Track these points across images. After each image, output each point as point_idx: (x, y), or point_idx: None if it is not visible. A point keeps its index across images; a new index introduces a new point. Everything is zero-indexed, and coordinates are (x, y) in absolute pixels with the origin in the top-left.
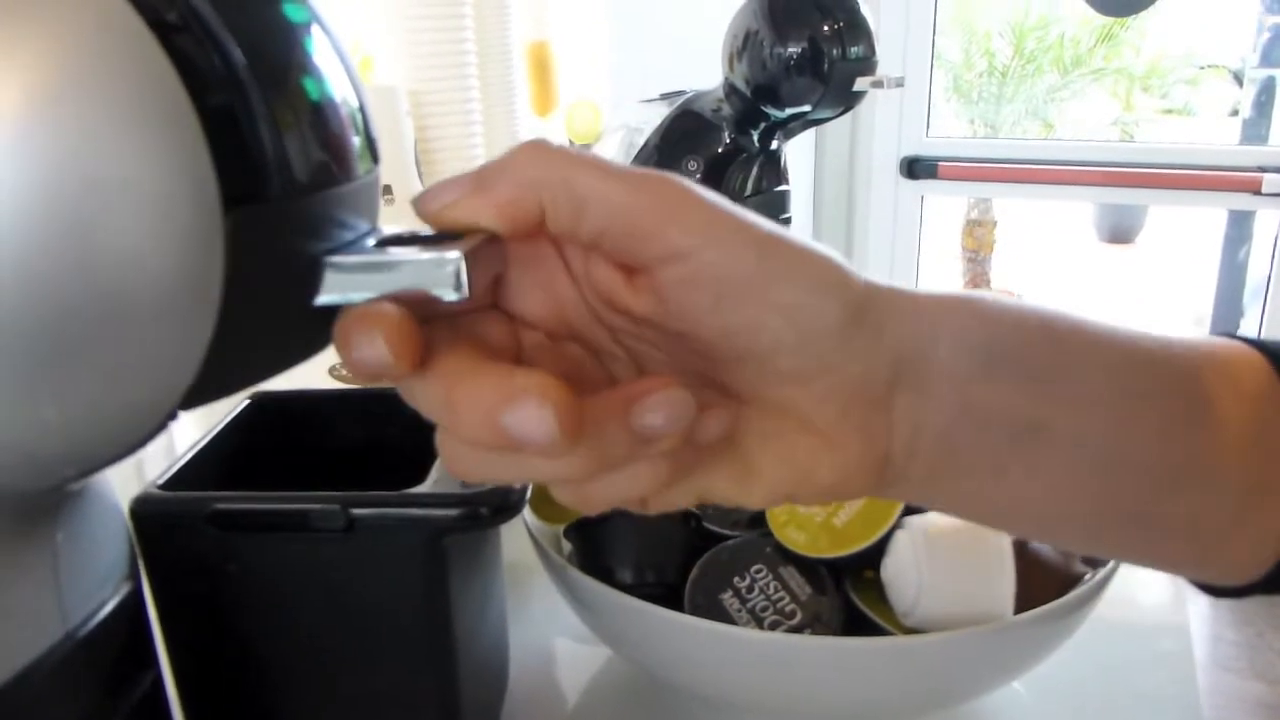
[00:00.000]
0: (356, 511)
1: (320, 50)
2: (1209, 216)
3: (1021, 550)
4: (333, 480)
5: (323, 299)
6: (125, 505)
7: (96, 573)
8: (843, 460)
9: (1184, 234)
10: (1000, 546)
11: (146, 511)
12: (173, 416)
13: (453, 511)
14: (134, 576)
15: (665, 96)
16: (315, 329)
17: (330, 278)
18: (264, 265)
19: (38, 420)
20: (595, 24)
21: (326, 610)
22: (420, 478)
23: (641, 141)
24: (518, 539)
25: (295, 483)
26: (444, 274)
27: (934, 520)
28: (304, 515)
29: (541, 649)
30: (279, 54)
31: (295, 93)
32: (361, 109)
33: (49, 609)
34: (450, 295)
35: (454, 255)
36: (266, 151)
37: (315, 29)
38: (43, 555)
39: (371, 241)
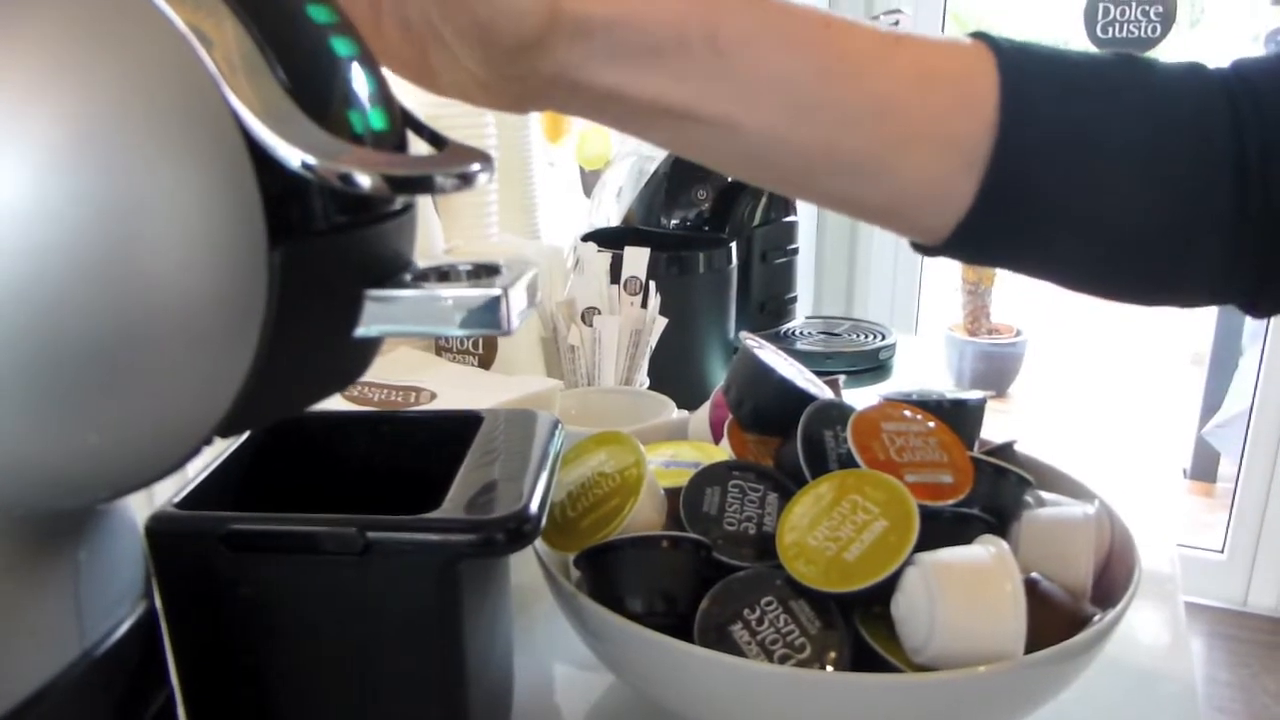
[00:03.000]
0: (373, 535)
1: (362, 84)
2: None
3: (1031, 590)
4: (347, 501)
5: (363, 331)
6: (138, 522)
7: (114, 591)
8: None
9: None
10: (1013, 586)
11: (162, 530)
12: (208, 442)
13: (468, 537)
14: (149, 595)
15: None
16: (353, 360)
17: (371, 311)
18: (306, 297)
19: (78, 443)
20: None
21: (339, 632)
22: (435, 500)
23: (652, 169)
24: (524, 563)
25: (310, 503)
26: (488, 313)
27: (946, 558)
28: (320, 537)
29: (545, 673)
30: (325, 87)
31: (340, 126)
32: (402, 142)
33: (69, 627)
34: (495, 333)
35: (496, 292)
36: (313, 186)
37: (359, 62)
38: (65, 573)
39: (409, 275)
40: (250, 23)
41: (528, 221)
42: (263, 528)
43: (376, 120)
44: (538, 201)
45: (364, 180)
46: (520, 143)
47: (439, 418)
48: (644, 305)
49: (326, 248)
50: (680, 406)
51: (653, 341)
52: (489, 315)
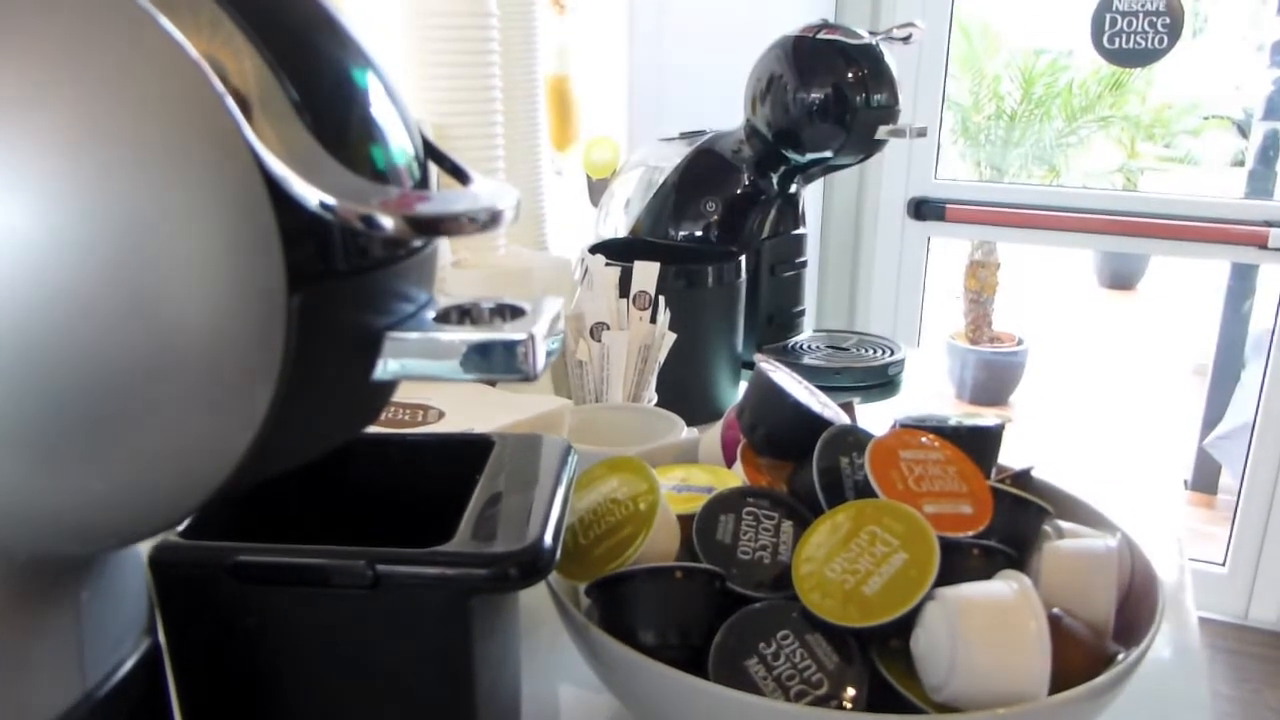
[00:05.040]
0: (382, 568)
1: (384, 116)
2: (1212, 266)
3: (1054, 626)
4: (355, 525)
5: (382, 373)
6: (142, 552)
7: (117, 629)
8: None
9: (1185, 282)
10: (1037, 625)
11: (166, 560)
12: (222, 492)
13: (481, 571)
14: (152, 630)
15: (685, 135)
16: (370, 402)
17: (392, 352)
18: (325, 341)
19: (87, 492)
20: (616, 60)
21: (347, 666)
22: (444, 526)
23: (661, 180)
24: (533, 586)
25: (318, 527)
26: (514, 359)
27: (968, 594)
28: (329, 570)
29: (551, 695)
30: (346, 121)
31: (362, 162)
32: (424, 179)
33: (70, 669)
34: (520, 379)
35: (521, 337)
36: (334, 227)
37: (381, 93)
38: (67, 615)
39: (431, 313)
40: (270, 55)
41: (535, 233)
42: (270, 559)
43: (399, 154)
44: (546, 213)
45: (387, 222)
46: (529, 152)
47: (448, 441)
48: (653, 320)
49: (347, 289)
50: (688, 422)
51: (661, 357)
52: (514, 361)
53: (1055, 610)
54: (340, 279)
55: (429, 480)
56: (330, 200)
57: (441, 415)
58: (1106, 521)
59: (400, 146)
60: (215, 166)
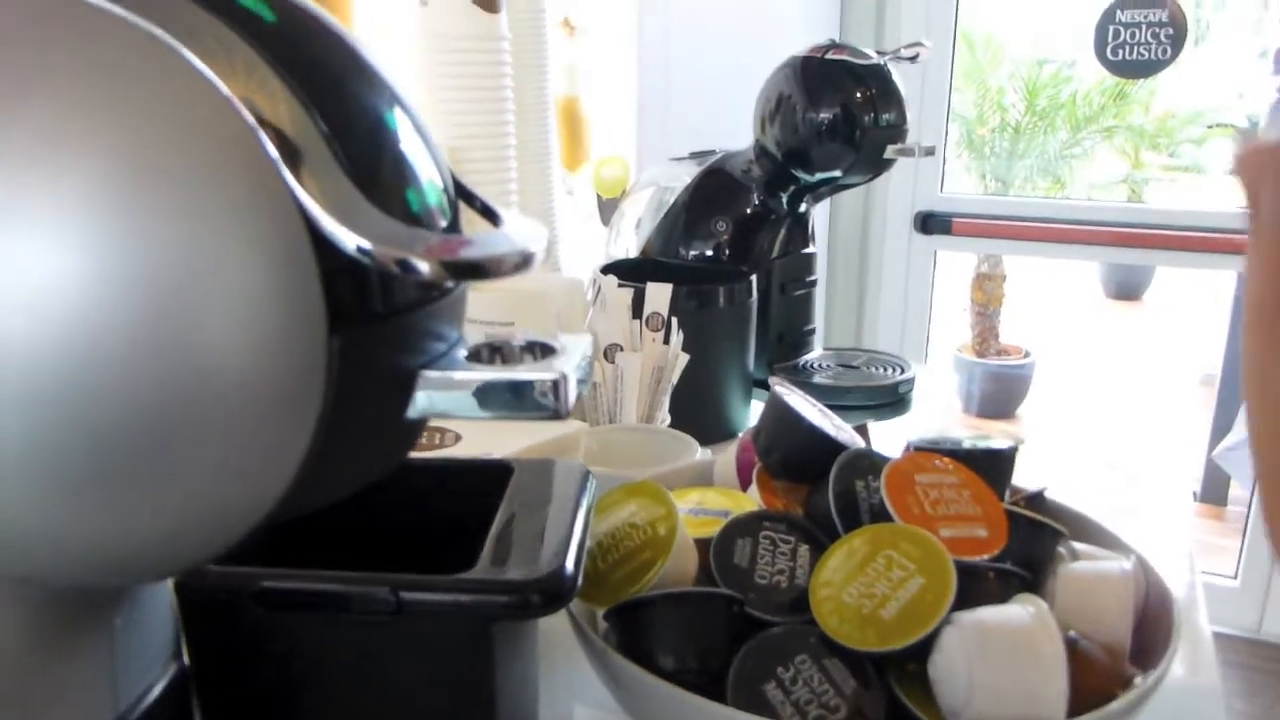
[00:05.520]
0: (406, 595)
1: (418, 158)
2: (1219, 276)
3: (1070, 650)
4: (376, 548)
5: (416, 411)
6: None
7: (148, 654)
8: None
9: (1192, 292)
10: (1054, 646)
11: (192, 586)
12: (259, 530)
13: (503, 599)
14: (179, 655)
15: (695, 155)
16: (404, 438)
17: (425, 391)
18: (362, 380)
19: (126, 526)
20: (625, 80)
21: (370, 690)
22: (464, 551)
23: (671, 199)
24: None
25: (339, 550)
26: (546, 397)
27: (985, 618)
28: (353, 597)
29: (567, 716)
30: (382, 166)
31: (398, 205)
32: (455, 218)
33: (102, 694)
34: (551, 416)
35: (554, 376)
36: (371, 271)
37: (414, 135)
38: (101, 641)
39: (462, 351)
40: (308, 101)
41: (548, 254)
42: (295, 586)
43: (432, 196)
44: (559, 234)
45: (423, 267)
46: (540, 172)
47: (468, 466)
48: (666, 341)
49: (383, 330)
50: (701, 442)
51: (675, 378)
52: (546, 399)
53: (1071, 633)
54: (377, 320)
55: (448, 504)
56: (367, 245)
57: (458, 438)
58: (1120, 543)
59: (433, 188)
60: (257, 212)
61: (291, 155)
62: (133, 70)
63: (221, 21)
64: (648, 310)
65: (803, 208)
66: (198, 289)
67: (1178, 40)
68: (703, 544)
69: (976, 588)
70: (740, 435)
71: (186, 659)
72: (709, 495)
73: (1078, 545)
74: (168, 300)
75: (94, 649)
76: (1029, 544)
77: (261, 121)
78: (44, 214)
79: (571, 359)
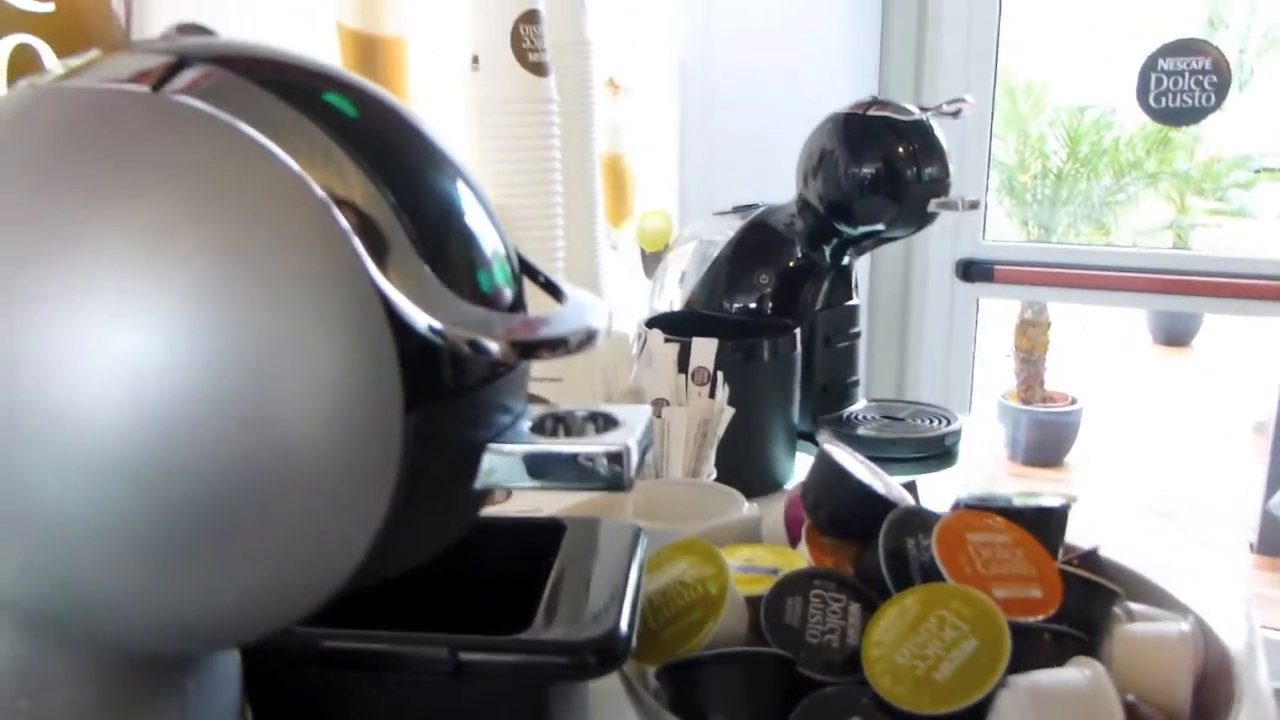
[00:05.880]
0: (464, 655)
1: (487, 240)
2: (1270, 323)
3: (1130, 714)
4: (431, 605)
5: (483, 483)
6: None
7: (216, 715)
8: None
9: (1242, 338)
10: (1112, 710)
11: (257, 647)
12: (338, 597)
13: (560, 659)
14: (245, 716)
15: (738, 209)
16: (470, 509)
17: (491, 463)
18: (433, 455)
19: (204, 596)
20: (668, 136)
21: None
22: (518, 609)
23: (714, 253)
24: None
25: (394, 608)
26: (610, 469)
27: (1041, 681)
28: (412, 658)
29: None
30: (454, 249)
31: (469, 287)
32: (520, 295)
33: None
34: (614, 489)
35: (617, 449)
36: (444, 351)
37: (483, 217)
38: (173, 703)
39: (527, 423)
40: (383, 185)
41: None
42: (356, 646)
43: (499, 273)
44: (604, 288)
45: (494, 347)
46: (586, 229)
47: (520, 524)
48: (711, 395)
49: (454, 407)
50: (746, 495)
51: (721, 431)
52: (610, 471)
53: (1130, 697)
54: (448, 397)
55: (501, 561)
56: (439, 326)
57: (509, 495)
58: (1177, 603)
59: (499, 266)
60: (336, 296)
61: (369, 240)
62: (225, 165)
63: (306, 116)
64: (693, 365)
65: (845, 260)
66: (279, 369)
67: (1221, 88)
68: (753, 601)
69: (1031, 650)
70: (788, 490)
71: (251, 718)
72: (758, 552)
73: (1134, 606)
74: (251, 379)
75: (167, 712)
76: (1084, 604)
77: (340, 205)
78: (149, 303)
79: (634, 431)
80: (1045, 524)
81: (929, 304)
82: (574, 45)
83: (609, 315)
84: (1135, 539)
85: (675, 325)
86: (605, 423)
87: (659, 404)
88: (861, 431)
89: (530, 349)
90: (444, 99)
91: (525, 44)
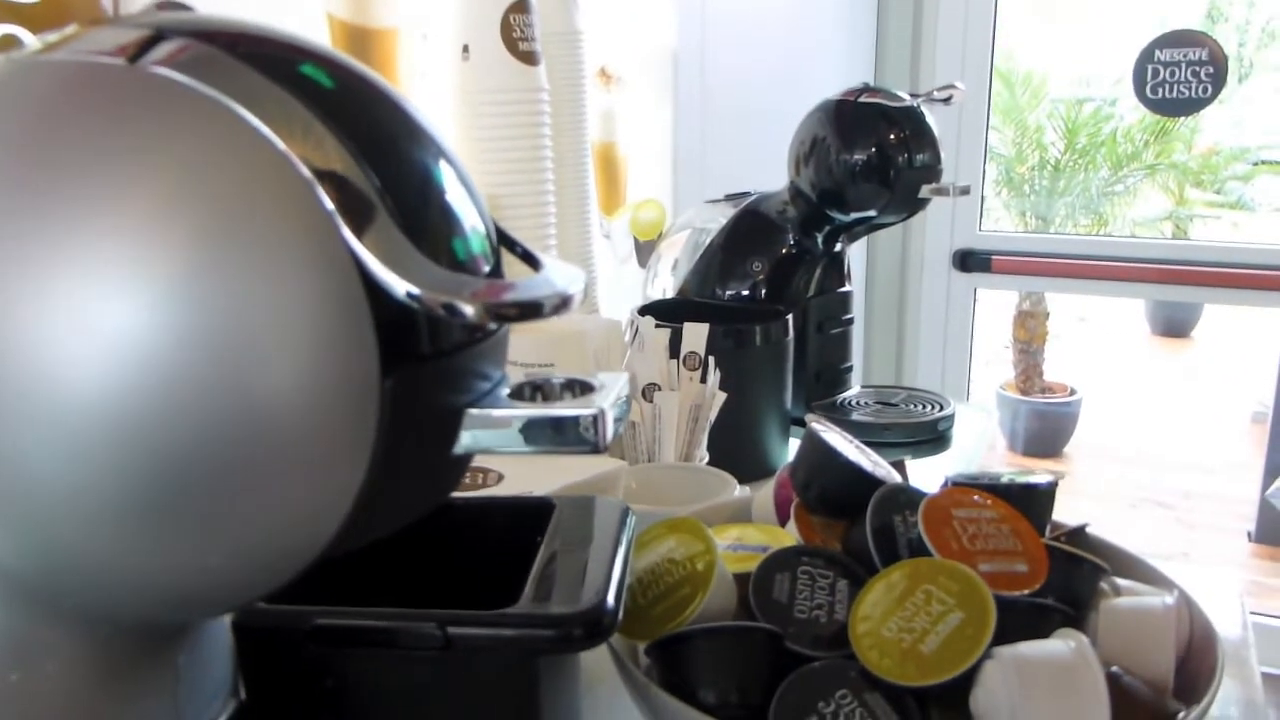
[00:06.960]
0: (453, 630)
1: (463, 208)
2: (1268, 313)
3: (1113, 684)
4: (421, 584)
5: (462, 448)
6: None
7: (208, 690)
8: None
9: (1241, 328)
10: (1095, 680)
11: (250, 625)
12: (319, 562)
13: (547, 633)
14: (238, 691)
15: (730, 197)
16: (450, 474)
17: (470, 428)
18: (411, 419)
19: (189, 562)
20: (661, 125)
21: None
22: (507, 587)
23: (707, 241)
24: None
25: (384, 586)
26: (586, 432)
27: (1026, 652)
28: (403, 633)
29: None
30: (430, 216)
31: (445, 254)
32: (498, 264)
33: None
34: (590, 451)
35: (593, 411)
36: (420, 316)
37: (459, 187)
38: (166, 677)
39: (505, 390)
40: (360, 155)
41: (587, 296)
42: (347, 623)
43: (476, 243)
44: (597, 276)
45: (468, 310)
46: (579, 218)
47: (510, 504)
48: (703, 380)
49: (431, 371)
50: (739, 480)
51: (712, 416)
52: (586, 434)
53: (1114, 668)
54: (425, 361)
55: (492, 541)
56: (416, 291)
57: (501, 478)
58: (1163, 578)
59: (476, 236)
60: (314, 262)
61: (347, 208)
62: (208, 142)
63: (283, 88)
64: (685, 350)
65: (838, 247)
66: (256, 334)
67: (1218, 79)
68: (742, 579)
69: (1017, 623)
70: (778, 472)
71: (243, 695)
72: (748, 531)
73: (1120, 581)
74: (232, 348)
75: (160, 686)
76: (1070, 579)
77: (318, 175)
78: (126, 271)
79: (610, 395)
80: (1032, 500)
81: (925, 294)
82: (565, 35)
83: (584, 282)
84: (1133, 528)
85: (668, 313)
86: (582, 389)
87: (651, 389)
88: (855, 416)
89: (503, 311)
90: (435, 88)
91: (515, 33)
